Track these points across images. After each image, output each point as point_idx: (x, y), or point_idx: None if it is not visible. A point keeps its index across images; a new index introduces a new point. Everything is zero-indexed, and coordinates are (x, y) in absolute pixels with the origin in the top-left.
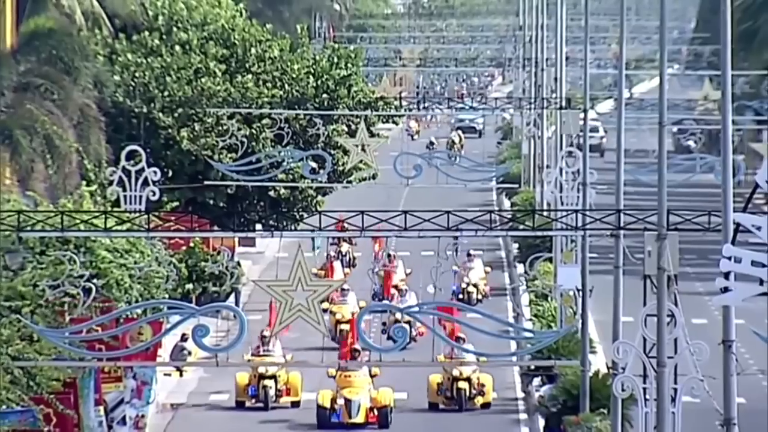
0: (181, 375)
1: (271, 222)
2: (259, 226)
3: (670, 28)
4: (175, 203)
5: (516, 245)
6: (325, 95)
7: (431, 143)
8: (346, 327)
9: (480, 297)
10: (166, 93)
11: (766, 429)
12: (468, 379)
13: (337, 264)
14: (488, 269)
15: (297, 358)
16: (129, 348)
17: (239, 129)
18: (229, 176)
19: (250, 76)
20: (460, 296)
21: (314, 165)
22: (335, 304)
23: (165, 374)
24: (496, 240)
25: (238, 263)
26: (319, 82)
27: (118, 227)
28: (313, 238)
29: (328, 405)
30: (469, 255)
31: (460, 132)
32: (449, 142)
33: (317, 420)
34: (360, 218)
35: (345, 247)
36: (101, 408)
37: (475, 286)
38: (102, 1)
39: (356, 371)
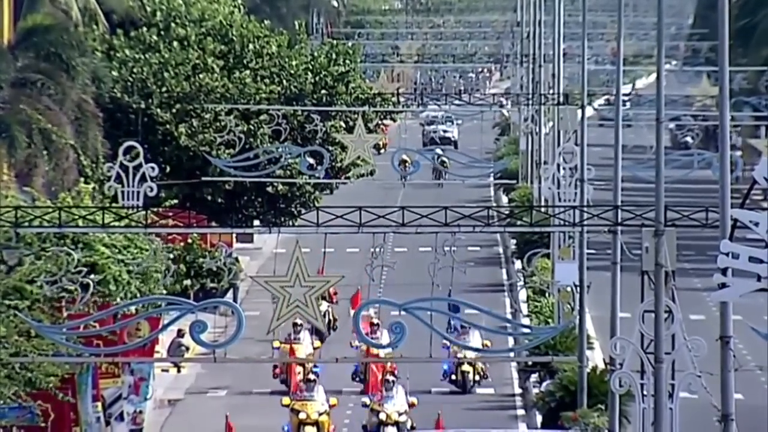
0: (178, 371)
1: (269, 218)
2: (257, 222)
3: (667, 24)
4: (174, 201)
5: (514, 241)
6: (323, 91)
7: (403, 161)
8: (312, 430)
9: (478, 378)
10: (163, 89)
11: (765, 425)
12: None
13: (304, 334)
14: (488, 343)
15: None
16: (126, 344)
17: (237, 125)
18: (227, 172)
19: (248, 72)
20: (453, 376)
21: (312, 161)
22: (299, 400)
23: (162, 370)
24: (493, 236)
25: (236, 259)
26: (317, 78)
27: (116, 223)
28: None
29: None
30: (463, 327)
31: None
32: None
33: None
34: (357, 214)
35: (324, 306)
36: (99, 404)
37: (470, 364)
38: None
39: None
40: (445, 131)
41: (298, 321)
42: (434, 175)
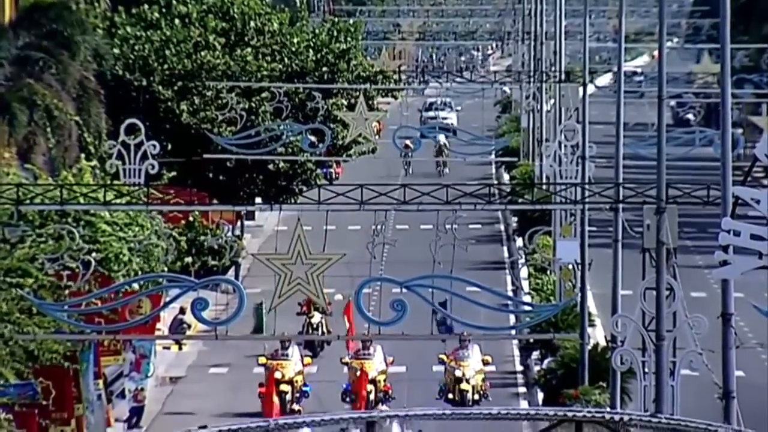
0: (180, 348)
1: (270, 195)
2: (258, 200)
3: (669, 1)
4: (173, 174)
5: (515, 219)
6: (324, 69)
7: (406, 146)
8: None
9: (477, 397)
10: (165, 66)
11: (766, 402)
12: None
13: (293, 350)
14: (488, 358)
15: None
16: (128, 321)
17: (239, 102)
18: (229, 150)
19: (249, 49)
20: (450, 395)
21: (313, 139)
22: None
23: (164, 348)
24: (495, 213)
25: (239, 237)
26: (318, 55)
27: (118, 200)
28: (257, 309)
29: None
30: (462, 340)
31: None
32: (437, 146)
33: None
34: (359, 192)
35: (317, 317)
36: (100, 381)
37: (468, 381)
38: None
39: None
40: (444, 118)
41: (283, 348)
42: (436, 163)
